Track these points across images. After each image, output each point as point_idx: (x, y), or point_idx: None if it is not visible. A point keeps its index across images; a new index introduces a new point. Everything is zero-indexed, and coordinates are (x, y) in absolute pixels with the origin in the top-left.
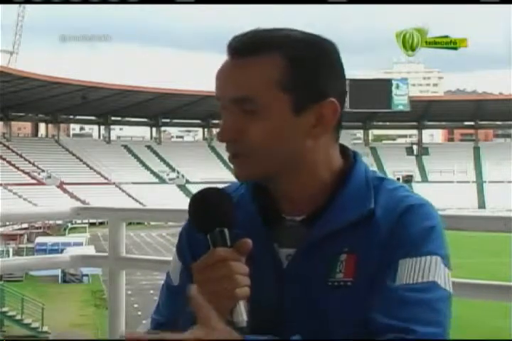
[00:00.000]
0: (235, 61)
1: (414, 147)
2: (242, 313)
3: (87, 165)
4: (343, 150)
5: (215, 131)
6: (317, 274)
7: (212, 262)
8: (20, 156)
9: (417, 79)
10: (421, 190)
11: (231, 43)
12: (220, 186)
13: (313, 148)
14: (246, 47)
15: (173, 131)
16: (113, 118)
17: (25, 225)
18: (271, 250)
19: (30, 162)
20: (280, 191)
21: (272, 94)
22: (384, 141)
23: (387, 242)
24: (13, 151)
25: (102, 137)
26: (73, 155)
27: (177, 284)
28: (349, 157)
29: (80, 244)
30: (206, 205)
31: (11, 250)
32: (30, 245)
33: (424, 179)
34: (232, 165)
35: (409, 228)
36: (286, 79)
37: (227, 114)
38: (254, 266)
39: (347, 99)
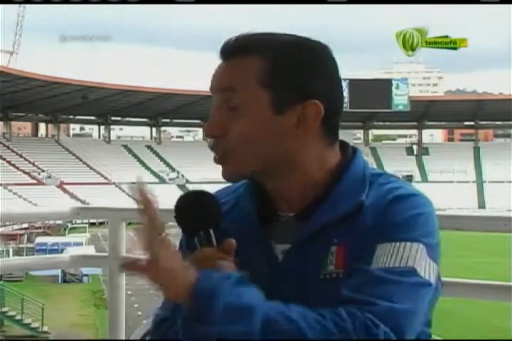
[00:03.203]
0: (224, 62)
1: (414, 147)
2: None
3: (87, 165)
4: (343, 147)
5: None
6: (311, 268)
7: (199, 261)
8: (20, 156)
9: (417, 79)
10: (421, 190)
11: (222, 46)
12: (220, 186)
13: (299, 149)
14: (233, 50)
15: (173, 131)
16: (113, 118)
17: (25, 225)
18: (267, 246)
19: (30, 162)
20: (274, 190)
21: (252, 90)
22: (384, 141)
23: (375, 229)
24: (13, 151)
25: (102, 137)
26: (73, 155)
27: None
28: (347, 153)
29: (80, 244)
30: (188, 208)
31: (11, 250)
32: (30, 245)
33: (424, 179)
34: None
35: (394, 216)
36: (267, 78)
37: (214, 110)
38: (251, 262)
39: (347, 100)
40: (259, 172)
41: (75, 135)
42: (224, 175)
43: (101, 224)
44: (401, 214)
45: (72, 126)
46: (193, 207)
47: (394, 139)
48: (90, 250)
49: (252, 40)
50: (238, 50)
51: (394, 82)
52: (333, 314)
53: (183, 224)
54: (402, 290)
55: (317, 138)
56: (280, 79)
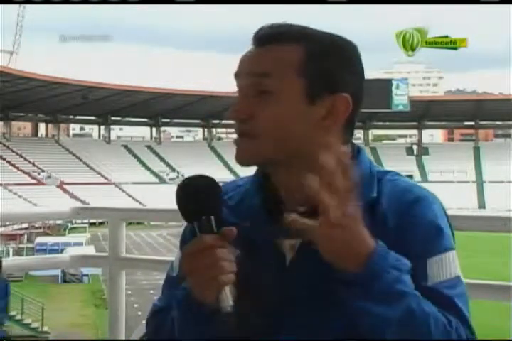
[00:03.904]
0: (259, 48)
1: (414, 147)
2: (227, 299)
3: (87, 165)
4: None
5: (215, 131)
6: (321, 264)
7: (198, 249)
8: (20, 156)
9: (417, 79)
10: None
11: (256, 33)
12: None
13: (319, 142)
14: (269, 37)
15: (173, 131)
16: (113, 118)
17: (25, 225)
18: (275, 241)
19: (30, 162)
20: (281, 183)
21: (288, 76)
22: (384, 141)
23: (398, 233)
24: (13, 151)
25: (102, 137)
26: (73, 155)
27: (175, 274)
28: (353, 152)
29: (80, 244)
30: (189, 194)
31: (11, 250)
32: (30, 245)
33: (424, 179)
34: (235, 153)
35: (422, 222)
36: (304, 66)
37: (242, 94)
38: (258, 257)
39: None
40: (274, 161)
41: (75, 135)
42: (240, 158)
43: (101, 224)
44: (429, 221)
45: (72, 126)
46: (196, 191)
47: (394, 139)
48: (90, 250)
49: (289, 29)
50: (275, 37)
51: (394, 82)
52: (458, 322)
53: (184, 207)
54: (462, 301)
55: (337, 133)
56: (315, 69)
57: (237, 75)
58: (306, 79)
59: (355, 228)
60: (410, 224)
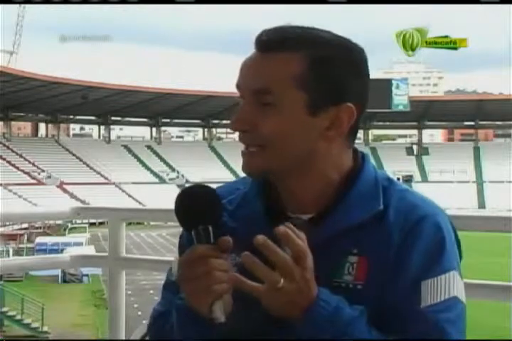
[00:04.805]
0: (260, 54)
1: (414, 147)
2: (220, 309)
3: (87, 165)
4: (353, 152)
5: (215, 131)
6: (321, 273)
7: (192, 258)
8: (20, 156)
9: (417, 79)
10: (421, 190)
11: (259, 37)
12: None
13: (325, 151)
14: (272, 43)
15: (173, 131)
16: (113, 118)
17: (25, 225)
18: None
19: (30, 162)
20: (287, 190)
21: (289, 90)
22: (384, 141)
23: (400, 251)
24: (13, 151)
25: (102, 137)
26: (73, 155)
27: (174, 279)
28: (358, 158)
29: (80, 244)
30: (189, 203)
31: (11, 250)
32: (30, 245)
33: (424, 179)
34: (242, 160)
35: (424, 244)
36: (306, 78)
37: (244, 104)
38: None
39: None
40: (280, 170)
41: (75, 135)
42: (247, 169)
43: (101, 224)
44: (430, 241)
45: (72, 126)
46: (195, 200)
47: (394, 139)
48: (90, 250)
49: (292, 34)
50: (276, 44)
51: (394, 82)
52: None
53: (183, 216)
54: (452, 324)
55: (342, 141)
56: (318, 79)
57: (238, 86)
58: (308, 92)
59: (291, 294)
60: (412, 244)
